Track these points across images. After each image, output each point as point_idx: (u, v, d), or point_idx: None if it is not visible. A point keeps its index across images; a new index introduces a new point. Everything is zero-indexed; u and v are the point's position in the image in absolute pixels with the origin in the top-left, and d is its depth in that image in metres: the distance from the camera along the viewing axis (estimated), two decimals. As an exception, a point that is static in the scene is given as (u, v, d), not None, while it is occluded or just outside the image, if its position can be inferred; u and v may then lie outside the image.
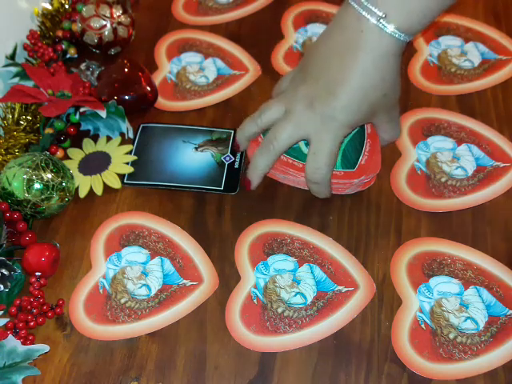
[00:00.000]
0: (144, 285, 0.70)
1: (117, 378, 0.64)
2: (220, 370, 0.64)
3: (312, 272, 0.70)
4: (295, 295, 0.69)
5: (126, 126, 0.82)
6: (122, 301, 0.69)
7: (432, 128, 0.83)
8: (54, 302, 0.68)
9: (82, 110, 0.82)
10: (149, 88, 0.85)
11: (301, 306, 0.68)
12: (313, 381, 0.63)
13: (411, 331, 0.66)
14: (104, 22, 0.89)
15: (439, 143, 0.82)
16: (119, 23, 0.90)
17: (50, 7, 0.96)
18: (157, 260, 0.72)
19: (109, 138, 0.83)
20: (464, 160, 0.80)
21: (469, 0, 1.00)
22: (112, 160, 0.80)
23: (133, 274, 0.71)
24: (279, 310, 0.68)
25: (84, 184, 0.78)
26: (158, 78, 0.90)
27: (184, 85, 0.89)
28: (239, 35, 0.96)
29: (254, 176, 0.75)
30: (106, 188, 0.78)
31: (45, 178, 0.72)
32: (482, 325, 0.66)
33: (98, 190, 0.78)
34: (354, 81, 0.69)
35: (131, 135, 0.83)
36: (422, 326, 0.66)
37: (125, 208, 0.77)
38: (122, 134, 0.83)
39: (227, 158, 0.81)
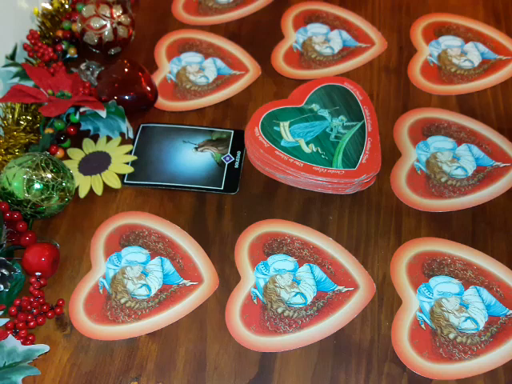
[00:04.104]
0: (144, 285, 0.70)
1: (117, 378, 0.64)
2: (220, 370, 0.64)
3: (312, 272, 0.70)
4: (295, 295, 0.69)
5: (126, 125, 0.82)
6: (122, 301, 0.69)
7: (432, 128, 0.83)
8: (54, 302, 0.68)
9: (81, 109, 0.82)
10: (149, 88, 0.85)
11: (301, 305, 0.68)
12: (313, 381, 0.63)
13: (411, 331, 0.66)
14: (104, 22, 0.89)
15: (439, 143, 0.82)
16: (119, 23, 0.90)
17: (50, 7, 0.96)
18: (157, 260, 0.72)
19: (109, 138, 0.83)
20: (464, 160, 0.80)
21: (469, 0, 1.00)
22: (112, 160, 0.80)
23: (133, 274, 0.71)
24: (279, 310, 0.68)
25: (84, 184, 0.78)
26: (157, 78, 0.90)
27: (184, 85, 0.89)
28: (239, 35, 0.96)
29: None
30: (106, 188, 0.78)
31: (45, 178, 0.72)
32: (482, 325, 0.66)
33: (98, 190, 0.78)
34: None
35: (131, 135, 0.83)
36: (422, 326, 0.66)
37: (125, 208, 0.77)
38: (122, 134, 0.83)
39: (227, 158, 0.81)
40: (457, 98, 0.87)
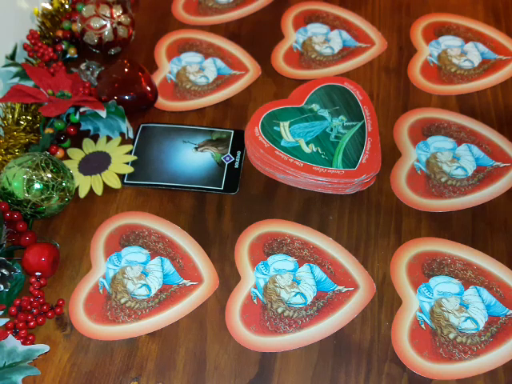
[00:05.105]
0: (144, 285, 0.70)
1: (117, 378, 0.64)
2: (220, 370, 0.64)
3: (312, 272, 0.70)
4: (295, 295, 0.69)
5: (126, 125, 0.82)
6: (122, 301, 0.69)
7: (432, 128, 0.83)
8: (54, 302, 0.68)
9: (81, 109, 0.82)
10: (149, 88, 0.85)
11: (301, 305, 0.68)
12: (313, 381, 0.63)
13: (411, 331, 0.66)
14: (104, 22, 0.89)
15: (439, 143, 0.82)
16: (119, 23, 0.90)
17: (50, 7, 0.96)
18: (157, 260, 0.72)
19: (109, 138, 0.83)
20: (464, 160, 0.80)
21: (469, 0, 1.00)
22: (112, 160, 0.80)
23: (133, 274, 0.71)
24: (279, 310, 0.68)
25: (84, 184, 0.78)
26: (157, 78, 0.90)
27: (184, 85, 0.89)
28: (239, 35, 0.96)
29: None
30: (106, 188, 0.78)
31: (45, 178, 0.72)
32: (482, 325, 0.66)
33: (98, 190, 0.78)
34: None
35: (131, 135, 0.83)
36: (422, 326, 0.66)
37: (125, 208, 0.77)
38: (122, 134, 0.83)
39: (227, 158, 0.81)
40: (457, 98, 0.87)
